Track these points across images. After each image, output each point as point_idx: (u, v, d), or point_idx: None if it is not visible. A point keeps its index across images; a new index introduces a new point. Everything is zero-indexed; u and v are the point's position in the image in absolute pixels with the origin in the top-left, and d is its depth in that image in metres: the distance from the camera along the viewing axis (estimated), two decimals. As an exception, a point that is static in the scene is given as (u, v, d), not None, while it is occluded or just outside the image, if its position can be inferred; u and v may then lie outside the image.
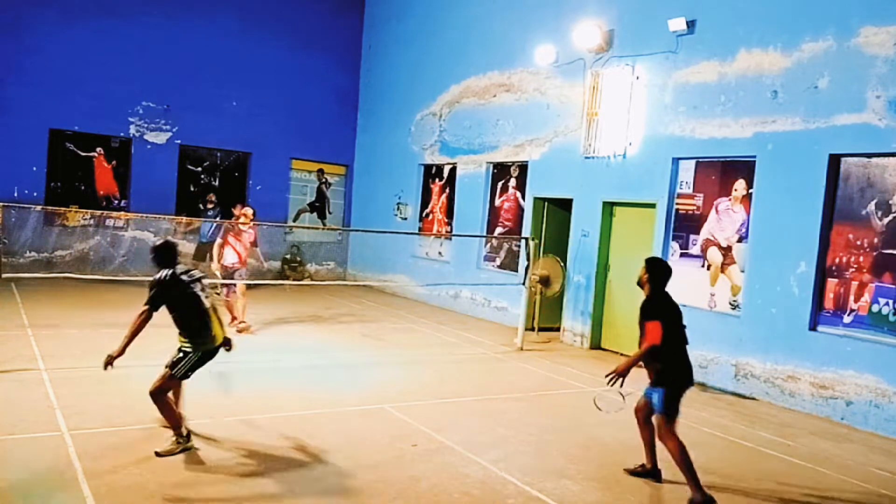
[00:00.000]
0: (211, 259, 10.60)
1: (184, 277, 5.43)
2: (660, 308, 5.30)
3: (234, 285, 10.09)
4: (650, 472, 5.52)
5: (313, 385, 7.52)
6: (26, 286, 11.97)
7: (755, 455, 6.36)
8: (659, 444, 5.33)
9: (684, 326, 5.46)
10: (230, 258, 10.20)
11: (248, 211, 10.54)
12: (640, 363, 5.26)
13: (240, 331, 9.82)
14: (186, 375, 5.45)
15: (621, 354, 10.34)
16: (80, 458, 4.98)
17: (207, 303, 5.48)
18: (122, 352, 5.23)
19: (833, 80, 7.87)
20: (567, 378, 8.78)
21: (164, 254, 5.52)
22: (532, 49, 11.83)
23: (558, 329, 11.41)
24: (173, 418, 5.30)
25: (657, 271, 5.48)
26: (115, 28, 14.22)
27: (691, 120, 9.35)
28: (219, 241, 10.39)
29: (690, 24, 9.34)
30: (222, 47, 15.29)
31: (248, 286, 10.58)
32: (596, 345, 10.75)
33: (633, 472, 5.57)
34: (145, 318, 5.31)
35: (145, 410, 6.18)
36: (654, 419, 5.33)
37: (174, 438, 5.24)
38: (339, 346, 9.67)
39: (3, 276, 7.86)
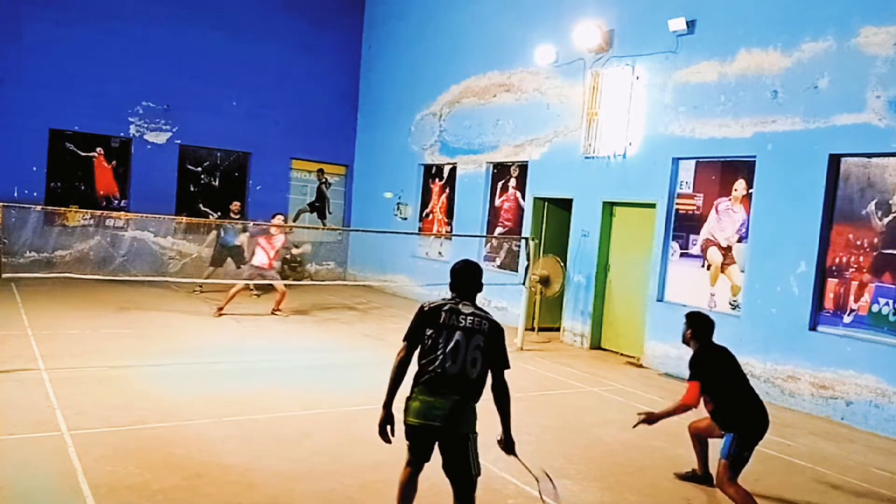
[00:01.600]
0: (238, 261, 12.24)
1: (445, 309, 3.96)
2: (701, 366, 5.03)
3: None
4: (702, 479, 5.50)
5: (313, 385, 7.52)
6: (26, 286, 11.97)
7: (755, 455, 6.33)
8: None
9: (742, 374, 5.16)
10: (260, 259, 11.19)
11: (280, 218, 11.75)
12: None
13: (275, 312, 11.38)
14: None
15: (621, 354, 10.37)
16: (80, 458, 4.97)
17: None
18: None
19: (833, 80, 7.87)
20: (567, 378, 8.78)
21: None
22: (532, 49, 11.83)
23: (558, 329, 11.41)
24: None
25: (700, 326, 5.22)
26: (114, 28, 14.21)
27: (691, 120, 9.35)
28: (255, 239, 11.43)
29: (690, 24, 9.34)
30: (222, 47, 15.29)
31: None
32: (596, 345, 10.75)
33: (684, 477, 5.58)
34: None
35: (145, 410, 6.19)
36: (718, 464, 4.97)
37: None
38: (339, 346, 9.67)
39: (3, 276, 7.86)
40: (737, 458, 4.89)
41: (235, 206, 13.86)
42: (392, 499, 4.74)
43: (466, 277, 4.03)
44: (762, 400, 5.11)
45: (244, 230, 12.45)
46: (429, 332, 3.85)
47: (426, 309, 3.94)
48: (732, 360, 5.19)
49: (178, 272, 14.64)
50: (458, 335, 3.80)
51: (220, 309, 11.04)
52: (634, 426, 5.14)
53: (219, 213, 15.05)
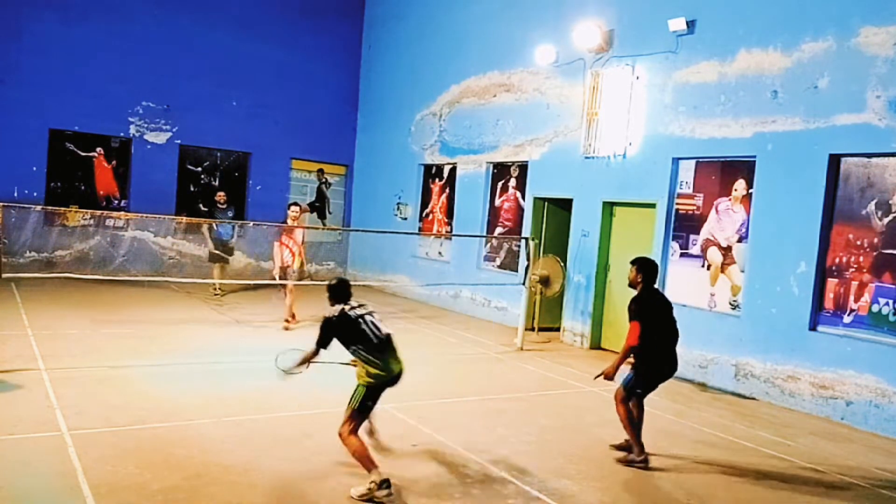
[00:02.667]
0: (221, 260, 10.81)
1: (351, 314, 5.05)
2: (642, 308, 5.70)
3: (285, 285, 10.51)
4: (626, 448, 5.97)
5: (313, 385, 7.51)
6: (26, 286, 11.97)
7: (755, 455, 6.36)
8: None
9: (674, 321, 5.83)
10: (287, 257, 10.55)
11: (297, 209, 10.90)
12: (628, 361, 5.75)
13: (287, 328, 10.39)
14: (365, 407, 4.99)
15: (621, 354, 10.37)
16: (80, 458, 4.98)
17: (381, 334, 5.08)
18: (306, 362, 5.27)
19: (833, 80, 7.87)
20: (567, 378, 8.78)
21: (338, 291, 5.24)
22: (532, 49, 11.83)
23: (558, 329, 11.41)
24: (366, 460, 4.82)
25: (648, 271, 5.84)
26: (115, 28, 14.22)
27: (691, 120, 9.35)
28: (276, 243, 10.66)
29: (690, 24, 9.34)
30: (222, 47, 15.30)
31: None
32: (596, 345, 10.75)
33: (619, 448, 6.05)
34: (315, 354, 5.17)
35: (145, 410, 6.19)
36: (617, 388, 5.87)
37: (370, 482, 4.69)
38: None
39: (3, 276, 7.86)
40: (635, 386, 5.83)
41: (220, 196, 13.48)
42: (391, 498, 4.75)
43: (348, 289, 5.29)
44: (676, 353, 5.85)
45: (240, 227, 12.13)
46: (355, 331, 5.04)
47: (335, 320, 5.08)
48: (667, 308, 5.87)
49: (179, 272, 14.63)
50: (369, 319, 5.12)
51: (289, 320, 10.45)
52: (595, 378, 5.87)
53: (206, 209, 15.00)
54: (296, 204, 10.99)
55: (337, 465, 5.26)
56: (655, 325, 5.71)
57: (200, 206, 15.34)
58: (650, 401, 7.94)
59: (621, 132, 10.31)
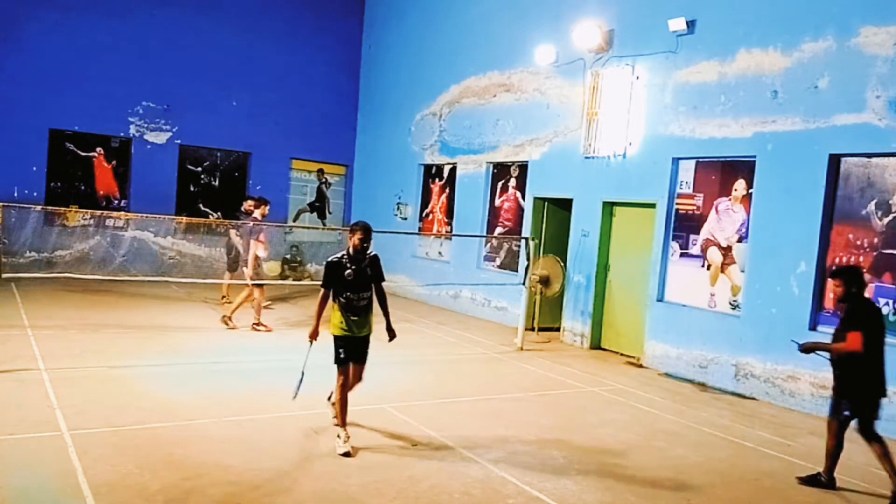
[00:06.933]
0: (245, 264, 10.30)
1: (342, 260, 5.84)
2: (864, 317, 5.40)
3: (261, 284, 10.16)
4: (826, 484, 5.62)
5: (313, 385, 7.50)
6: (26, 286, 11.97)
7: (755, 455, 6.36)
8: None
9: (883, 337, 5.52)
10: (262, 252, 10.15)
11: (251, 203, 10.64)
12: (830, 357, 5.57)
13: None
14: (340, 359, 5.76)
15: (621, 354, 10.37)
16: (80, 458, 4.97)
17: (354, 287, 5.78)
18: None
19: (833, 80, 7.87)
20: (567, 378, 8.78)
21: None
22: (532, 49, 11.83)
23: (558, 329, 11.41)
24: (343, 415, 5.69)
25: (857, 279, 5.54)
26: (115, 28, 14.22)
27: (691, 120, 9.35)
28: (254, 241, 10.03)
29: (690, 24, 9.34)
30: (222, 47, 15.29)
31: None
32: (596, 345, 10.75)
33: (804, 481, 5.69)
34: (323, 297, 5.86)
35: (145, 410, 6.19)
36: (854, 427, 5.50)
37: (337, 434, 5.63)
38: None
39: (3, 276, 7.87)
40: (864, 414, 5.48)
41: (250, 205, 11.06)
42: (391, 498, 4.76)
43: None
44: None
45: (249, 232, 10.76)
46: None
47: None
48: (882, 324, 5.53)
49: (179, 273, 14.62)
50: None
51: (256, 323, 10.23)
52: (801, 349, 5.67)
53: (219, 213, 14.95)
54: (252, 199, 10.78)
55: (337, 466, 5.26)
56: (875, 338, 5.39)
57: (200, 206, 15.36)
58: (650, 400, 7.98)
59: (621, 132, 10.31)
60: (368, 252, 5.95)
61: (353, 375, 5.88)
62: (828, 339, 5.77)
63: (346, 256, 5.83)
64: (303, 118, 16.38)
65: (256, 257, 10.10)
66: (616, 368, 9.59)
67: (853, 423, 5.50)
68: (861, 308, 5.48)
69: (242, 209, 11.91)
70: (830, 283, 5.72)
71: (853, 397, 5.48)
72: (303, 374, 6.02)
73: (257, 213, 10.29)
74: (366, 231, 5.82)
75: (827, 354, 5.61)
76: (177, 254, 15.02)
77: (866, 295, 5.69)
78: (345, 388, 5.76)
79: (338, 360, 5.76)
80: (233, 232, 11.77)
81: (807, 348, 5.66)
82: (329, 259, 5.88)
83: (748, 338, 8.50)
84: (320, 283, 5.86)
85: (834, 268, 5.78)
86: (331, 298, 5.83)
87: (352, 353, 5.81)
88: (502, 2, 12.94)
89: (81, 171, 14.34)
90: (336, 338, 5.78)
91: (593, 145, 10.76)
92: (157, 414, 6.10)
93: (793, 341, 5.91)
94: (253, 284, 10.10)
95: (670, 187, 9.62)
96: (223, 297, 12.22)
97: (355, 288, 5.77)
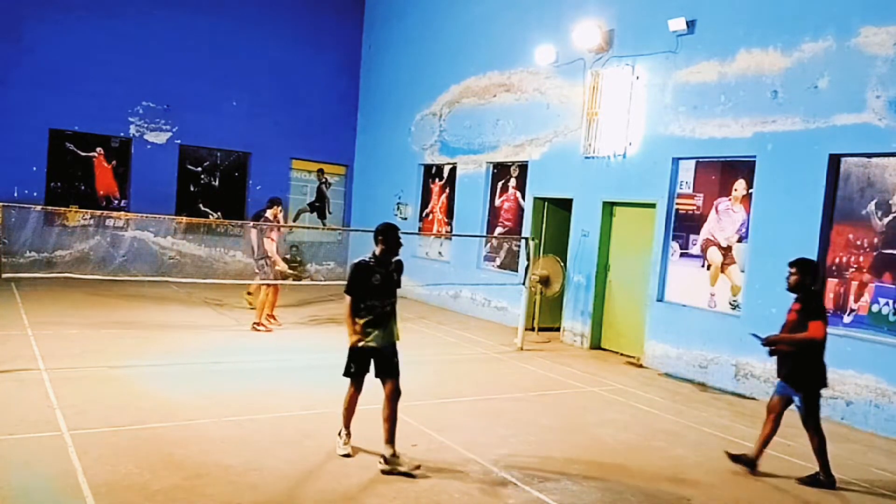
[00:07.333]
0: (267, 260, 10.38)
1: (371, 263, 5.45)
2: (822, 308, 5.73)
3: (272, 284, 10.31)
4: (750, 462, 5.81)
5: (313, 385, 7.52)
6: (26, 286, 11.97)
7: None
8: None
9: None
10: (272, 249, 10.35)
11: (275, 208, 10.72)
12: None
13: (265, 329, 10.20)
14: (350, 373, 5.45)
15: (621, 354, 10.36)
16: (80, 458, 4.97)
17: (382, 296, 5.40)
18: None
19: (833, 80, 7.87)
20: (567, 378, 8.78)
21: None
22: (532, 49, 11.83)
23: (558, 329, 11.41)
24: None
25: (812, 271, 5.82)
26: (115, 28, 14.22)
27: (691, 120, 9.35)
28: (267, 239, 10.27)
29: (690, 24, 9.34)
30: (222, 47, 15.30)
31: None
32: (596, 345, 10.74)
33: (735, 458, 5.87)
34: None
35: (145, 410, 6.19)
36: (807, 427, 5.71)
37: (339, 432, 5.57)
38: (339, 347, 9.63)
39: (3, 276, 7.86)
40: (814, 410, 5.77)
41: (275, 210, 10.79)
42: (391, 498, 4.75)
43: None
44: None
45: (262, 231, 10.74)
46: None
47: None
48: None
49: (179, 273, 14.62)
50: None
51: (269, 317, 10.45)
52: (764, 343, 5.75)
53: (219, 213, 14.90)
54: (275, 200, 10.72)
55: (337, 466, 5.26)
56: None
57: (200, 206, 15.35)
58: (650, 400, 7.98)
59: (621, 132, 10.31)
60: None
61: (388, 394, 5.32)
62: (826, 339, 5.81)
63: (373, 259, 5.42)
64: (303, 118, 16.38)
65: (276, 253, 10.35)
66: (616, 368, 9.59)
67: (798, 413, 5.75)
68: (818, 299, 5.79)
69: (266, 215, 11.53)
70: (788, 270, 5.90)
71: (806, 388, 5.69)
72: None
73: (269, 213, 10.50)
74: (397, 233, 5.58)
75: (770, 346, 5.72)
76: (177, 254, 15.03)
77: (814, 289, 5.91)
78: (354, 397, 5.49)
79: (347, 374, 5.42)
80: (253, 233, 11.48)
81: (770, 341, 5.71)
82: (356, 261, 5.44)
83: (748, 338, 8.48)
84: (344, 288, 5.40)
85: (796, 259, 5.99)
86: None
87: (379, 368, 5.35)
88: (502, 2, 12.94)
89: (81, 171, 14.34)
90: (351, 350, 5.35)
91: (593, 145, 10.76)
92: (157, 414, 6.10)
93: (753, 336, 5.93)
94: (266, 285, 10.26)
95: (670, 187, 9.62)
96: (248, 293, 12.12)
97: (380, 294, 5.34)
